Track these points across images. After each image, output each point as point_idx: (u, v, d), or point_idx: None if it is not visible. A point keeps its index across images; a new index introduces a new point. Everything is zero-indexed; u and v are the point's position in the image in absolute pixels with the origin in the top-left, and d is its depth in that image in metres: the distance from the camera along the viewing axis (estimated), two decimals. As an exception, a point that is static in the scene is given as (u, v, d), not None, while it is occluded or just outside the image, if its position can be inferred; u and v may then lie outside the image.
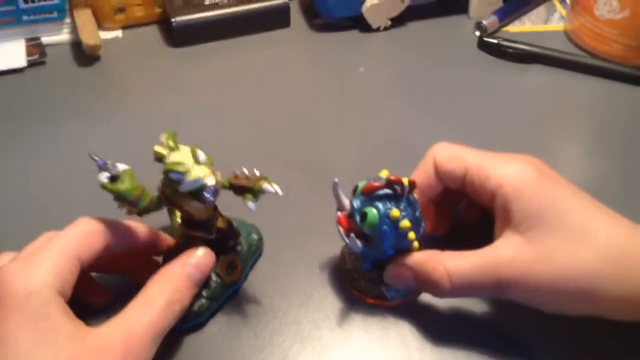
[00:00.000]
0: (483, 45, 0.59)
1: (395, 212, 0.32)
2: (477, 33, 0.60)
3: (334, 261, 0.39)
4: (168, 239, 0.37)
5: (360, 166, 0.46)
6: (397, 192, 0.33)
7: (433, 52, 0.60)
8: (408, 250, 0.34)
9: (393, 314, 0.37)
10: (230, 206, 0.35)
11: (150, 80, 0.56)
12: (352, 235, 0.33)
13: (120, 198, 0.32)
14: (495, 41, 0.58)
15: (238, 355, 0.34)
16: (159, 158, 0.31)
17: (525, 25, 0.63)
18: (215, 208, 0.35)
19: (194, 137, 0.33)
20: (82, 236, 0.32)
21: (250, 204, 0.33)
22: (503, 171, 0.34)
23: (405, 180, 0.33)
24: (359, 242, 0.33)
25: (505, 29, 0.62)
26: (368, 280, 0.37)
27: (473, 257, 0.33)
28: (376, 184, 0.33)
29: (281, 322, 0.36)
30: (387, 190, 0.33)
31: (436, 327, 0.36)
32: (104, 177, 0.31)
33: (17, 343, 0.28)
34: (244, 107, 0.53)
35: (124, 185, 0.31)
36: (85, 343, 0.29)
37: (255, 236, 0.39)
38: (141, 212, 0.33)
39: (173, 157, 0.31)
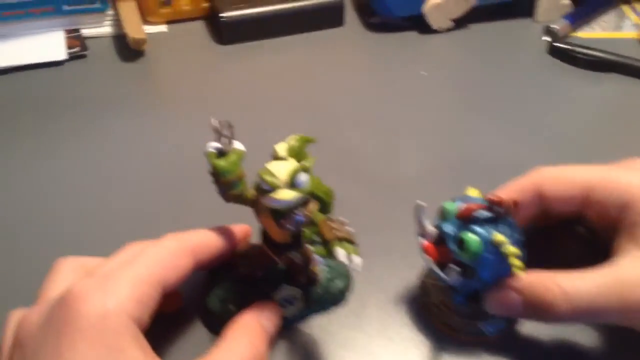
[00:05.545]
0: (554, 51, 0.55)
1: (499, 237, 0.28)
2: (547, 38, 0.56)
3: (410, 291, 0.35)
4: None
5: (426, 180, 0.42)
6: (500, 214, 0.29)
7: (499, 57, 0.55)
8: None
9: (489, 350, 0.33)
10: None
11: (196, 78, 0.53)
12: (452, 266, 0.29)
13: (216, 174, 0.28)
14: (568, 47, 0.54)
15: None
16: (274, 156, 0.28)
17: (595, 32, 0.59)
18: (296, 237, 0.30)
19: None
20: (170, 257, 0.28)
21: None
22: (636, 182, 0.31)
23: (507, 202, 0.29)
24: (458, 274, 0.29)
25: (574, 34, 0.58)
26: (461, 315, 0.32)
27: (593, 276, 0.29)
28: (475, 206, 0.29)
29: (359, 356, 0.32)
30: (484, 212, 0.29)
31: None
32: (211, 146, 0.28)
33: None
34: (293, 110, 0.49)
35: (223, 163, 0.28)
36: None
37: (339, 284, 0.33)
38: (229, 198, 0.29)
39: (272, 165, 0.28)
